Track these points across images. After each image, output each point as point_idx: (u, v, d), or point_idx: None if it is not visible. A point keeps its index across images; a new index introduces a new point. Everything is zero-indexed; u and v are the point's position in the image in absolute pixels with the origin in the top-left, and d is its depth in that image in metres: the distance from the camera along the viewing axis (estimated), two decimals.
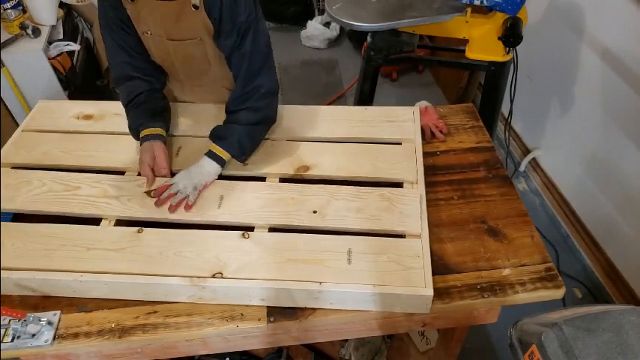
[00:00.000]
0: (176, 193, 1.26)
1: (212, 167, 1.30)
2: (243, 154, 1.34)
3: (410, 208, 1.24)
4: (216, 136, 1.35)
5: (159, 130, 1.35)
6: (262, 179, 1.35)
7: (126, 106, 1.40)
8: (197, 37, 1.31)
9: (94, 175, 1.34)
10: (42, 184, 1.32)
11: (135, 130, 1.37)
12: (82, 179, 1.33)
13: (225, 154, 1.31)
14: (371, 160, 1.38)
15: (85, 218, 1.26)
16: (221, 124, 1.39)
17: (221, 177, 1.33)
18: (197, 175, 1.29)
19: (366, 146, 1.43)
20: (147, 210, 1.25)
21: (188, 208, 1.25)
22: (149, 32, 1.32)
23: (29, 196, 1.30)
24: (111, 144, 1.45)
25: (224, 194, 1.28)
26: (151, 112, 1.37)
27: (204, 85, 1.49)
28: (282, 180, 1.36)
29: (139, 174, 1.34)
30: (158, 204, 1.26)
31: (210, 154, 1.31)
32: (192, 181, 1.27)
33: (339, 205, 1.25)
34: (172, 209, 1.24)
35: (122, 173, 1.37)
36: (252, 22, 1.28)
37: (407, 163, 1.36)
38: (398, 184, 1.33)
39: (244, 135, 1.32)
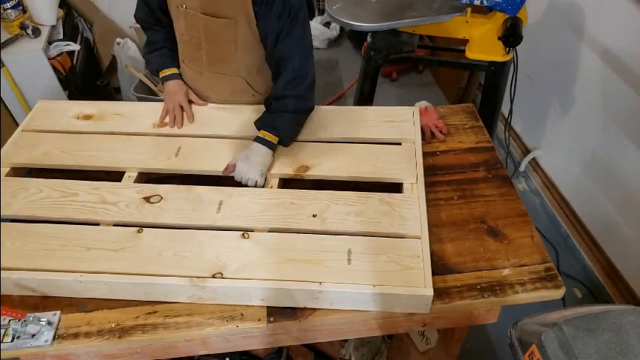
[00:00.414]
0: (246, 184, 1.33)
1: (266, 150, 1.35)
2: (289, 139, 1.41)
3: (410, 212, 1.24)
4: (265, 122, 1.39)
5: (177, 71, 1.54)
6: None
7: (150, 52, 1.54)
8: (232, 17, 1.33)
9: (92, 182, 1.34)
10: (39, 191, 1.31)
11: (156, 70, 1.55)
12: (79, 186, 1.33)
13: (274, 139, 1.36)
14: (371, 160, 1.38)
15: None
16: (220, 123, 1.41)
17: (221, 178, 1.34)
18: (258, 162, 1.33)
19: (365, 146, 1.43)
20: (144, 215, 1.25)
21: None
22: (184, 6, 1.34)
23: (26, 202, 1.29)
24: (111, 144, 1.45)
25: (223, 199, 1.28)
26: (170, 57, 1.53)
27: (224, 72, 1.49)
28: (282, 180, 1.35)
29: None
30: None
31: (260, 140, 1.36)
32: (258, 169, 1.32)
33: (339, 209, 1.25)
34: None
35: (122, 173, 1.37)
36: (302, 8, 1.31)
37: (407, 164, 1.36)
38: (398, 185, 1.33)
39: (292, 122, 1.40)
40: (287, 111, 1.38)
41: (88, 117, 1.54)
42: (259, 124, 1.41)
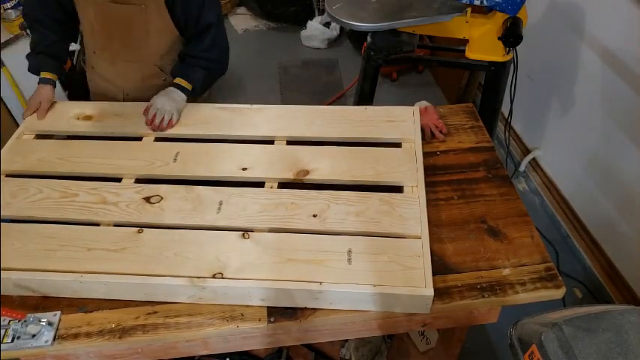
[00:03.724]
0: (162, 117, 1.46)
1: (182, 95, 1.52)
2: (199, 92, 1.59)
3: (410, 212, 1.24)
4: (181, 71, 1.55)
5: (54, 77, 1.58)
6: (261, 184, 1.34)
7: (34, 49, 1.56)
8: (141, 3, 1.39)
9: (92, 182, 1.34)
10: (39, 191, 1.31)
11: (35, 69, 1.57)
12: (79, 186, 1.33)
13: (189, 86, 1.53)
14: (371, 163, 1.37)
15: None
16: (219, 124, 1.47)
17: (220, 183, 1.33)
18: (176, 99, 1.49)
19: (366, 149, 1.42)
20: (144, 216, 1.25)
21: (171, 126, 1.47)
22: None
23: (26, 202, 1.29)
24: (108, 150, 1.44)
25: (223, 200, 1.28)
26: (55, 59, 1.57)
27: (137, 59, 1.55)
28: (282, 184, 1.35)
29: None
30: (148, 123, 1.46)
31: (177, 86, 1.52)
32: (175, 104, 1.49)
33: (339, 209, 1.25)
34: (163, 128, 1.46)
35: (119, 180, 1.36)
36: None
37: (407, 166, 1.36)
38: (398, 188, 1.33)
39: (204, 77, 1.56)
40: (201, 67, 1.53)
41: (88, 118, 1.54)
42: (175, 72, 1.55)
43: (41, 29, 1.54)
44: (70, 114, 1.55)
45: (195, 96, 1.57)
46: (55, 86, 1.58)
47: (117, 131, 1.49)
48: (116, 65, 1.57)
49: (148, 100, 1.51)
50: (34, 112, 1.54)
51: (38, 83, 1.56)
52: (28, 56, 1.58)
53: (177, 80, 1.53)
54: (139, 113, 1.54)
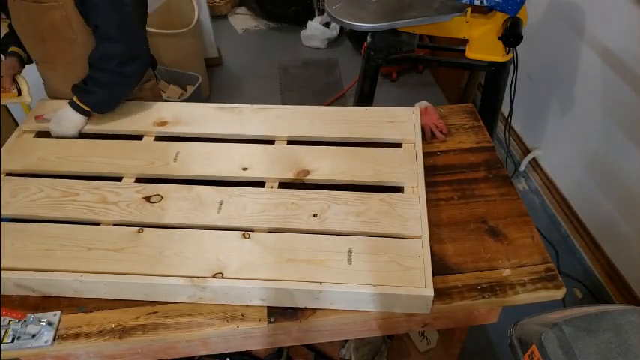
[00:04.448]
0: None
1: (79, 117, 1.47)
2: (102, 109, 1.50)
3: (410, 212, 1.23)
4: (80, 90, 1.46)
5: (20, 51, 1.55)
6: (262, 184, 1.34)
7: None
8: (57, 1, 1.34)
9: (93, 182, 1.34)
10: (39, 190, 1.31)
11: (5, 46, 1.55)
12: (80, 186, 1.32)
13: (87, 108, 1.46)
14: (371, 164, 1.37)
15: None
16: (219, 124, 1.45)
17: (220, 183, 1.33)
18: (66, 121, 1.46)
19: (366, 150, 1.42)
20: (145, 215, 1.25)
21: None
22: None
23: (26, 202, 1.29)
24: (108, 149, 1.44)
25: (223, 199, 1.27)
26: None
27: (75, 60, 1.48)
28: (282, 185, 1.35)
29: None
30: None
31: (73, 105, 1.46)
32: (60, 126, 1.46)
33: (340, 209, 1.25)
34: None
35: (119, 179, 1.36)
36: None
37: (408, 167, 1.36)
38: (399, 188, 1.32)
39: (105, 97, 1.47)
40: (102, 84, 1.43)
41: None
42: (75, 89, 1.46)
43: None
44: None
45: (102, 111, 1.50)
46: (21, 60, 1.59)
47: (117, 129, 1.49)
48: (59, 71, 1.53)
49: None
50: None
51: (6, 57, 1.57)
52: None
53: (75, 99, 1.46)
54: (138, 111, 1.54)
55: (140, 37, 1.44)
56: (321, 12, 3.81)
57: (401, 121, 1.50)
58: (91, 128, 1.51)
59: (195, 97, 2.82)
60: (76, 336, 1.08)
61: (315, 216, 1.23)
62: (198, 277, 1.10)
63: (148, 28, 1.52)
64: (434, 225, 1.25)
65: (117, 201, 1.28)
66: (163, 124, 1.51)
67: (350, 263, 1.13)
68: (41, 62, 1.54)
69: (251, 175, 1.36)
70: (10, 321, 1.07)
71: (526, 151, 2.64)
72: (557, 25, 2.23)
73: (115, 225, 1.24)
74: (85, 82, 1.46)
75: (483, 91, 2.16)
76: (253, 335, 1.14)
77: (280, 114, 1.53)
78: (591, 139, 2.13)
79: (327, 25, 3.72)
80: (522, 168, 2.66)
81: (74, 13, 1.36)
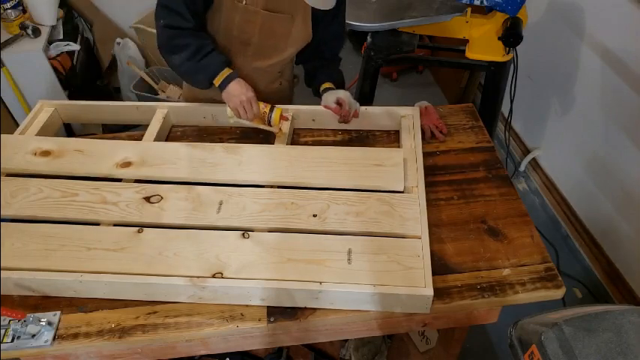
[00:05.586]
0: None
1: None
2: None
3: (410, 212, 1.23)
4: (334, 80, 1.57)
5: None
6: (262, 184, 1.33)
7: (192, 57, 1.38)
8: (290, 12, 1.38)
9: (93, 182, 1.33)
10: (39, 191, 1.31)
11: (213, 73, 1.39)
12: (80, 186, 1.32)
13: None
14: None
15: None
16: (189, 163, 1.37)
17: (220, 183, 1.32)
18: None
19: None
20: (144, 215, 1.24)
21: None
22: (244, 1, 1.35)
23: (26, 202, 1.28)
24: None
25: (223, 199, 1.27)
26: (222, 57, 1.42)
27: (266, 67, 1.50)
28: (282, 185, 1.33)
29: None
30: (342, 114, 1.50)
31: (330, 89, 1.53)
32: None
33: (339, 209, 1.25)
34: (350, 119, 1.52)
35: (119, 180, 1.35)
36: None
37: (408, 169, 1.35)
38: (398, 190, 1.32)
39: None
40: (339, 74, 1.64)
41: (45, 153, 1.40)
42: (325, 78, 1.59)
43: (195, 35, 1.39)
44: (26, 149, 1.41)
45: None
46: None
47: (76, 171, 1.36)
48: (243, 72, 1.45)
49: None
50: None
51: (230, 82, 1.39)
52: (200, 63, 1.38)
53: (327, 85, 1.55)
54: (100, 150, 1.42)
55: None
56: None
57: (390, 165, 1.35)
58: (49, 168, 1.37)
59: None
60: (76, 336, 1.08)
61: (314, 216, 1.23)
62: (197, 277, 1.10)
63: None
64: (434, 225, 1.25)
65: (116, 201, 1.28)
66: (127, 164, 1.37)
67: (350, 263, 1.13)
68: (231, 60, 1.45)
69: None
70: (10, 321, 1.07)
71: (526, 151, 2.64)
72: (557, 25, 2.23)
73: (114, 225, 1.24)
74: (334, 74, 1.60)
75: (483, 91, 2.16)
76: (253, 335, 1.14)
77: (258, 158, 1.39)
78: (591, 139, 2.12)
79: None
80: (522, 168, 2.66)
81: (298, 24, 1.43)
